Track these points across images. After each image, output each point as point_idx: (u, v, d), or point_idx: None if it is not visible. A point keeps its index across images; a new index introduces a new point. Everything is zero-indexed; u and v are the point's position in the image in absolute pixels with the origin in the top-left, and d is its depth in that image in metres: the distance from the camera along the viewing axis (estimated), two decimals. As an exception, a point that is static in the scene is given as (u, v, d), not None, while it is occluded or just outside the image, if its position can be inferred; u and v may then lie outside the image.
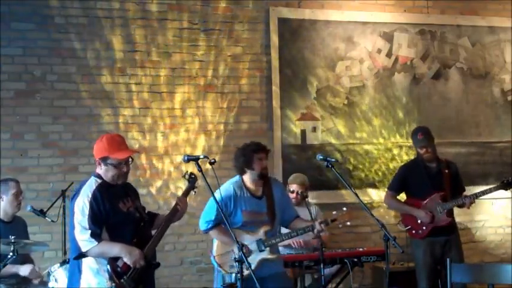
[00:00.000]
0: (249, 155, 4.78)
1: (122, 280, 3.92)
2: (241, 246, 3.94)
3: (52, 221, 5.59)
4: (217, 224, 4.72)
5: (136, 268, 3.97)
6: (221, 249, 4.75)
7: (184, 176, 4.60)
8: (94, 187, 4.02)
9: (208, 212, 4.76)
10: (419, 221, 5.83)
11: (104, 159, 4.06)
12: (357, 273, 5.95)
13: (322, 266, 4.85)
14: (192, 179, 4.53)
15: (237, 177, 4.88)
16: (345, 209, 4.87)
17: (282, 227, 5.14)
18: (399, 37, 7.21)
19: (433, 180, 5.85)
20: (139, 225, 4.13)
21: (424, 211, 5.78)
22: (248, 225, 4.75)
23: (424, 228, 5.81)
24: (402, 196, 6.12)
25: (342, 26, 7.03)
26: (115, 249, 3.97)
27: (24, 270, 5.11)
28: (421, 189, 5.85)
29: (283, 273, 4.95)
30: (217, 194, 4.60)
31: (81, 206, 3.95)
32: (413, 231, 5.89)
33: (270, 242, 4.76)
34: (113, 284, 3.90)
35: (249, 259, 4.47)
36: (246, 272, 4.11)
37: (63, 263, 5.12)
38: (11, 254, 4.61)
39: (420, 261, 5.88)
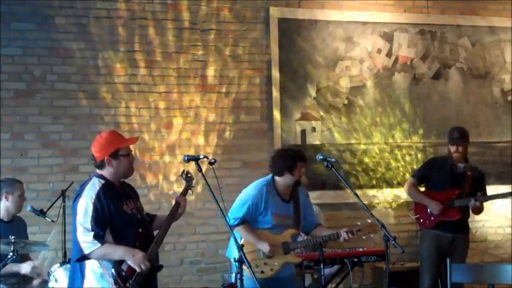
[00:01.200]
0: (294, 160, 4.80)
1: (127, 284, 3.87)
2: (241, 247, 3.94)
3: (52, 221, 5.58)
4: (244, 221, 4.73)
5: (140, 271, 3.90)
6: (246, 248, 4.72)
7: (181, 175, 4.59)
8: (98, 188, 3.94)
9: (237, 209, 4.76)
10: (428, 211, 5.92)
11: (115, 153, 4.00)
12: (357, 273, 5.94)
13: (322, 266, 4.87)
14: (188, 178, 4.52)
15: (268, 178, 4.87)
16: (369, 221, 4.80)
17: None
18: (399, 37, 7.20)
19: (455, 179, 5.91)
20: (142, 227, 4.08)
21: (436, 202, 5.85)
22: (276, 227, 4.79)
23: (432, 218, 5.90)
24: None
25: (342, 26, 7.02)
26: (118, 251, 3.90)
27: (25, 268, 5.12)
28: (441, 185, 5.94)
29: (295, 274, 5.06)
30: (247, 192, 4.76)
31: (84, 208, 3.88)
32: (421, 220, 5.99)
33: (295, 245, 4.84)
34: None
35: (273, 260, 4.70)
36: (269, 273, 4.59)
37: (63, 263, 5.11)
38: (11, 253, 4.61)
39: (425, 253, 5.96)
